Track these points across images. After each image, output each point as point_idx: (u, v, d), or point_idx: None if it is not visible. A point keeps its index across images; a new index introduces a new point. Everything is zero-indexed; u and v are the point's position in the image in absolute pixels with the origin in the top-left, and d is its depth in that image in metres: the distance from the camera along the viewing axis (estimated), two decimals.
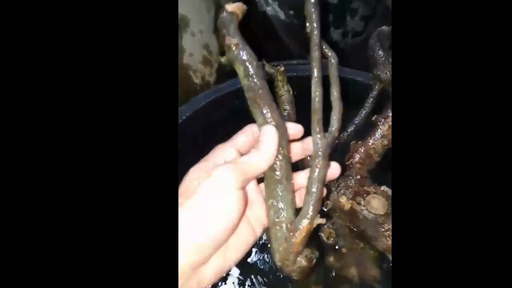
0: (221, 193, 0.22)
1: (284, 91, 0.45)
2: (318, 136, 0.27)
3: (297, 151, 0.29)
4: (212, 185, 0.23)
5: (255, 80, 0.26)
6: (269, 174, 0.26)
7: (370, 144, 0.38)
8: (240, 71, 0.27)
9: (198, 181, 0.23)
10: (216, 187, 0.23)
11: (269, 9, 0.60)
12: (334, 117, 0.29)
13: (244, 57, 0.26)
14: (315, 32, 0.28)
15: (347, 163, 0.38)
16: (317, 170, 0.26)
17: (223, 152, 0.26)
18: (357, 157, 0.38)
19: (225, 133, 0.48)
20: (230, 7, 0.27)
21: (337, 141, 0.42)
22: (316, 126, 0.27)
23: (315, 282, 0.37)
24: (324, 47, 0.30)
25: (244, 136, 0.27)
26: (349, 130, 0.42)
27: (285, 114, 0.44)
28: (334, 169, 0.28)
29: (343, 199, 0.36)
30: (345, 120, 0.44)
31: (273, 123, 0.26)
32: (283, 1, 0.60)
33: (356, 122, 0.42)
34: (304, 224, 0.25)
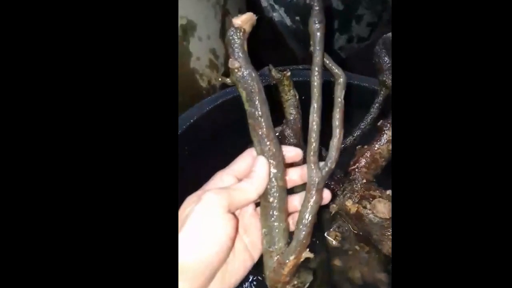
0: (209, 217, 0.23)
1: (290, 95, 0.45)
2: (313, 169, 0.26)
3: (295, 178, 0.29)
4: (202, 210, 0.24)
5: (256, 106, 0.26)
6: (263, 203, 0.27)
7: (376, 148, 0.39)
8: (242, 95, 0.27)
9: (191, 207, 0.24)
10: (205, 211, 0.24)
11: (275, 15, 0.61)
12: (333, 147, 0.27)
13: (247, 82, 0.26)
14: (317, 55, 0.27)
15: (353, 168, 0.38)
16: (309, 204, 0.26)
17: (220, 180, 0.27)
18: (363, 162, 0.38)
19: (232, 137, 0.49)
20: (237, 21, 0.26)
21: (343, 146, 0.43)
22: (312, 158, 0.26)
23: (320, 284, 0.37)
24: (331, 65, 0.28)
25: (243, 163, 0.28)
26: (355, 135, 0.43)
27: (291, 118, 0.45)
28: (325, 197, 0.28)
29: (349, 203, 0.36)
30: (351, 125, 0.44)
31: (270, 153, 0.26)
32: (290, 7, 0.61)
33: (362, 127, 0.43)
34: (291, 259, 0.26)
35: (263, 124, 0.26)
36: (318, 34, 0.26)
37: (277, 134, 0.44)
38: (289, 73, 0.45)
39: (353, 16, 0.64)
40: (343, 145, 0.43)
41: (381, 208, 0.34)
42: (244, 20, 0.26)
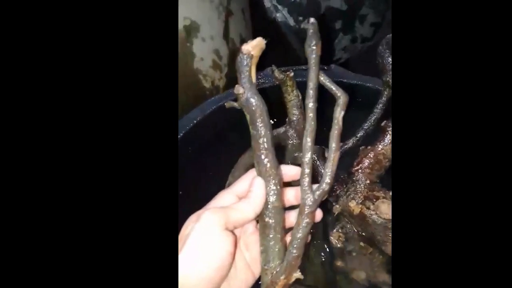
0: (207, 235, 0.25)
1: (294, 96, 0.45)
2: (306, 191, 0.26)
3: (291, 199, 0.30)
4: (200, 228, 0.25)
5: (258, 129, 0.27)
6: (261, 222, 0.28)
7: (379, 149, 0.39)
8: (247, 118, 0.28)
9: (191, 226, 0.25)
10: (203, 230, 0.25)
11: (278, 16, 0.61)
12: (327, 171, 0.27)
13: (251, 107, 0.27)
14: (312, 78, 0.26)
15: (356, 168, 0.38)
16: (300, 227, 0.27)
17: (222, 199, 0.28)
18: (366, 162, 0.38)
19: (234, 137, 0.49)
20: (245, 47, 0.27)
21: (346, 147, 0.43)
22: (305, 180, 0.27)
23: (324, 285, 0.37)
24: (330, 85, 0.28)
25: (244, 183, 0.29)
26: (358, 136, 0.43)
27: (294, 119, 0.45)
28: (317, 217, 0.29)
29: (352, 204, 0.36)
30: (355, 125, 0.44)
31: (267, 175, 0.27)
32: (293, 8, 0.61)
33: (365, 127, 0.42)
34: (281, 279, 0.27)
35: (263, 146, 0.27)
36: (313, 56, 0.26)
37: (282, 132, 0.44)
38: (292, 74, 0.45)
39: (357, 16, 0.63)
40: (346, 146, 0.43)
41: (385, 209, 0.34)
42: (253, 46, 0.27)
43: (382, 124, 0.40)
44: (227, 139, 0.50)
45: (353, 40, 0.68)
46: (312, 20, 0.26)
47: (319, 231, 0.40)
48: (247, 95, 0.27)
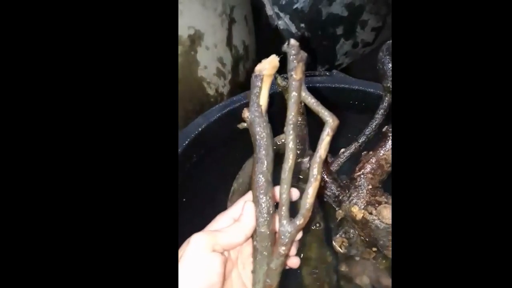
0: (195, 257, 0.26)
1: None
2: (283, 224, 0.27)
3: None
4: (189, 251, 0.26)
5: (258, 152, 0.27)
6: (253, 244, 0.29)
7: (381, 154, 0.39)
8: (252, 139, 0.28)
9: (184, 249, 0.27)
10: (192, 252, 0.26)
11: (280, 23, 0.62)
12: (305, 204, 0.26)
13: (254, 134, 0.27)
14: (292, 110, 0.25)
15: (358, 174, 0.39)
16: (275, 260, 0.27)
17: (218, 222, 0.29)
18: (368, 168, 0.39)
19: (239, 144, 0.50)
20: (258, 67, 0.26)
21: (349, 152, 0.43)
22: (282, 211, 0.27)
23: None
24: (319, 108, 0.26)
25: (240, 206, 0.30)
26: (360, 141, 0.43)
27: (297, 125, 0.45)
28: (294, 262, 0.30)
29: (355, 209, 0.36)
30: (357, 131, 0.45)
31: (257, 199, 0.27)
32: (295, 15, 0.62)
33: (367, 133, 0.43)
34: None
35: (260, 169, 0.27)
36: (293, 83, 0.25)
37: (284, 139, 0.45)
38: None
39: (358, 22, 0.64)
40: (348, 152, 0.43)
41: (387, 214, 0.35)
42: (264, 66, 0.26)
43: (384, 129, 0.40)
44: (232, 145, 0.50)
45: (355, 45, 0.68)
46: (292, 41, 0.25)
47: (323, 236, 0.41)
48: (252, 121, 0.27)
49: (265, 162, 0.27)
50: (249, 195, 0.30)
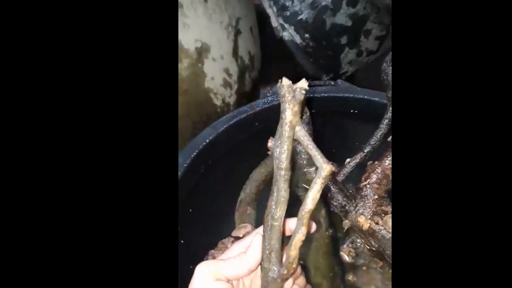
0: (201, 285, 0.27)
1: (302, 112, 0.47)
2: (271, 271, 0.26)
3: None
4: (195, 279, 0.27)
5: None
6: (260, 276, 0.28)
7: (386, 164, 0.40)
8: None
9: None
10: (196, 280, 0.27)
11: (285, 34, 0.63)
12: (289, 259, 0.25)
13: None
14: (282, 165, 0.23)
15: (364, 183, 0.39)
16: None
17: (232, 250, 0.30)
18: (374, 178, 0.39)
19: (246, 154, 0.51)
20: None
21: (354, 162, 0.44)
22: (270, 261, 0.26)
23: None
24: (313, 153, 0.23)
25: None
26: (365, 151, 0.44)
27: None
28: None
29: (361, 219, 0.37)
30: (362, 140, 0.46)
31: (267, 233, 0.26)
32: (299, 26, 0.63)
33: (372, 143, 0.44)
34: None
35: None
36: (285, 128, 0.22)
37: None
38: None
39: (361, 31, 0.65)
40: (354, 162, 0.44)
41: None
42: (294, 88, 0.22)
43: (389, 139, 0.41)
44: (239, 155, 0.51)
45: (359, 54, 0.69)
46: (284, 81, 0.22)
47: (330, 246, 0.41)
48: (274, 152, 0.24)
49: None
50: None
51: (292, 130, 0.23)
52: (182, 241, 0.42)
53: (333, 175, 0.44)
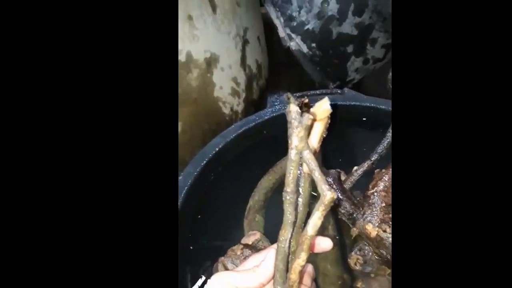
0: None
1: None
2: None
3: None
4: None
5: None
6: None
7: None
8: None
9: None
10: None
11: (292, 44, 0.64)
12: (289, 281, 0.25)
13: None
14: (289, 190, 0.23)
15: (371, 191, 0.40)
16: None
17: (248, 262, 0.31)
18: (381, 185, 0.40)
19: (255, 162, 0.51)
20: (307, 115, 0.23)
21: (362, 170, 0.44)
22: (276, 280, 0.26)
23: None
24: (321, 183, 0.22)
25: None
26: (372, 159, 0.44)
27: None
28: None
29: (369, 226, 0.37)
30: (369, 148, 0.46)
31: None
32: (306, 36, 0.64)
33: (379, 151, 0.44)
34: None
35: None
36: (293, 153, 0.23)
37: None
38: (307, 100, 0.47)
39: (368, 40, 0.66)
40: (361, 169, 0.44)
41: None
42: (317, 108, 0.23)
43: None
44: (247, 163, 0.52)
45: (365, 62, 0.70)
46: (291, 107, 0.22)
47: (338, 253, 0.42)
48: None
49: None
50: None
51: (298, 155, 0.23)
52: (191, 248, 0.43)
53: (340, 183, 0.44)
